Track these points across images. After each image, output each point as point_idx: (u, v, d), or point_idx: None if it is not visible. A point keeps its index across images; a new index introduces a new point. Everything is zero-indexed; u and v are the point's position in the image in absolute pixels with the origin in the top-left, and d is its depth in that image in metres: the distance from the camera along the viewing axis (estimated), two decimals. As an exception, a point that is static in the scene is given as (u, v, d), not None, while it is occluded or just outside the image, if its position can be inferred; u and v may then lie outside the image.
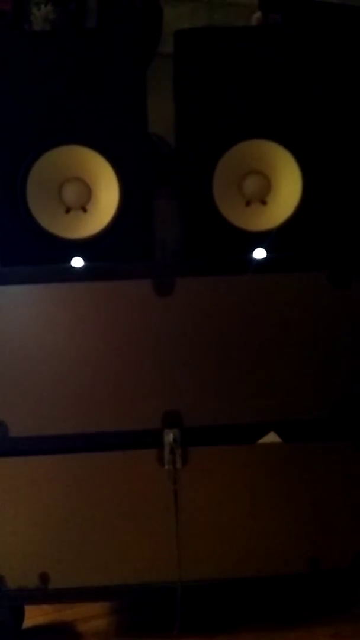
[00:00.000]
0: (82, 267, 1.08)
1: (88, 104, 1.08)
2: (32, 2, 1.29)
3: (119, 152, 1.09)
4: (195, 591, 1.13)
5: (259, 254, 1.10)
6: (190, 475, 1.10)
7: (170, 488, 1.10)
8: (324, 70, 1.10)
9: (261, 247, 1.10)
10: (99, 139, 1.09)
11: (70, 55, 1.07)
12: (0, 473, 1.09)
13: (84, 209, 1.12)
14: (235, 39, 1.09)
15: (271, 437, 1.10)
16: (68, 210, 1.12)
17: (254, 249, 1.10)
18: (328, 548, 1.13)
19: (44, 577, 1.12)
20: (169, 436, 1.08)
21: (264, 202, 1.13)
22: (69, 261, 1.09)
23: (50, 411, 1.08)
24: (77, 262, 1.09)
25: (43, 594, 1.13)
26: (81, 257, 1.09)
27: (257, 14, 1.31)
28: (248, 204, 1.13)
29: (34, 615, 1.25)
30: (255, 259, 1.09)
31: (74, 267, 1.08)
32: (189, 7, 1.35)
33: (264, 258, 1.10)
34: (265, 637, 1.16)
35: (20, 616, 1.23)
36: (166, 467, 1.09)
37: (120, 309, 1.08)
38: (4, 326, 1.07)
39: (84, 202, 1.12)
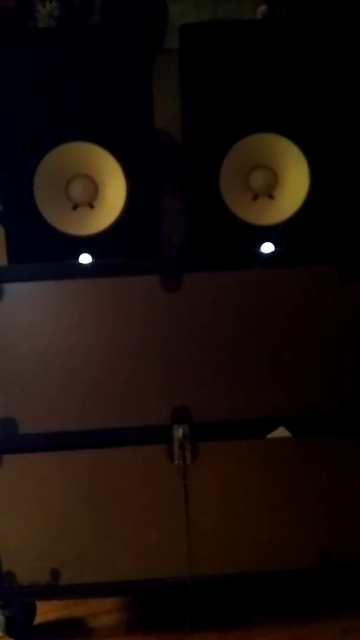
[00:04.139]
0: (90, 263, 1.09)
1: (94, 100, 1.08)
2: (36, -1, 1.29)
3: (125, 148, 1.09)
4: (206, 586, 1.13)
5: (267, 248, 1.10)
6: (199, 471, 1.10)
7: (180, 483, 1.10)
8: (330, 63, 1.09)
9: (269, 241, 1.10)
10: (105, 135, 1.09)
11: (76, 51, 1.07)
12: (10, 470, 1.10)
13: (91, 206, 1.12)
14: (240, 32, 1.08)
15: (280, 432, 1.10)
16: (75, 207, 1.12)
17: (261, 244, 1.10)
18: (338, 543, 1.13)
19: (54, 573, 1.13)
20: (179, 431, 1.08)
21: (271, 196, 1.12)
22: (77, 258, 1.09)
23: (59, 408, 1.09)
24: (85, 258, 1.09)
25: (54, 590, 1.13)
26: (89, 253, 1.09)
27: (262, 8, 1.31)
28: (255, 198, 1.13)
29: (45, 611, 1.26)
30: (262, 254, 1.09)
31: (81, 264, 1.08)
32: (194, 1, 1.35)
33: (272, 252, 1.09)
34: (276, 632, 1.16)
35: (32, 612, 1.24)
36: (176, 462, 1.09)
37: (128, 305, 1.08)
38: (13, 323, 1.07)
39: (91, 199, 1.12)
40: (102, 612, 1.27)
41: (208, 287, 1.08)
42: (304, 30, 1.09)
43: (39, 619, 1.25)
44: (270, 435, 1.10)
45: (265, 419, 1.10)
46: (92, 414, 1.09)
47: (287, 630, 1.17)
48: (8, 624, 1.19)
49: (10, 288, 1.07)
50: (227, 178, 1.10)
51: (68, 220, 1.11)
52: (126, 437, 1.09)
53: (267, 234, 1.10)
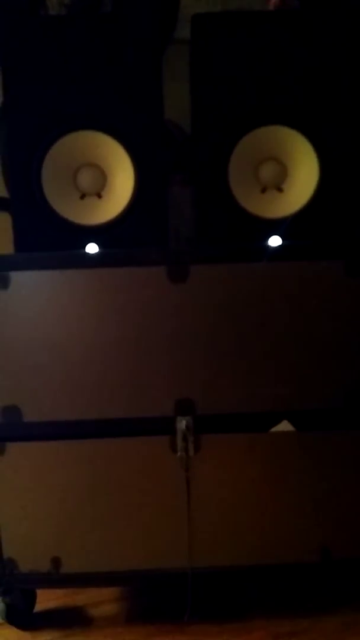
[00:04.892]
0: (97, 253, 1.08)
1: (103, 89, 1.07)
2: (47, -13, 1.28)
3: (134, 138, 1.08)
4: (206, 578, 1.13)
5: (274, 241, 1.10)
6: (202, 463, 1.10)
7: (183, 475, 1.10)
8: (342, 55, 1.08)
9: (276, 234, 1.10)
10: (114, 125, 1.08)
11: (86, 40, 1.07)
12: (14, 458, 1.10)
13: (99, 195, 1.12)
14: (252, 23, 1.07)
15: (284, 426, 1.10)
16: (83, 197, 1.11)
17: (269, 237, 1.10)
18: (339, 538, 1.13)
19: (55, 562, 1.13)
20: (182, 423, 1.08)
21: (279, 189, 1.12)
22: (84, 247, 1.09)
23: (64, 397, 1.09)
24: (92, 248, 1.09)
25: (55, 578, 1.14)
26: (95, 243, 1.09)
27: (275, -1, 1.30)
28: (264, 191, 1.12)
29: (46, 599, 1.27)
30: (270, 247, 1.09)
31: (88, 253, 1.08)
32: (206, -8, 1.34)
33: (279, 246, 1.09)
34: (275, 625, 1.17)
35: (32, 600, 1.25)
36: (178, 454, 1.09)
37: (134, 296, 1.07)
38: (19, 312, 1.07)
39: (99, 188, 1.11)
40: (102, 601, 1.27)
41: (214, 279, 1.07)
42: (315, 22, 1.08)
43: (39, 607, 1.25)
44: (273, 429, 1.10)
45: (269, 412, 1.10)
46: (96, 404, 1.09)
47: (287, 623, 1.17)
48: (8, 611, 1.20)
49: (17, 277, 1.07)
50: (236, 170, 1.09)
51: (75, 209, 1.10)
52: (130, 428, 1.09)
53: (274, 227, 1.10)
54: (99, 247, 1.09)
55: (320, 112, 1.08)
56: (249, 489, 1.12)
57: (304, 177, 1.10)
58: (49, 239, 1.09)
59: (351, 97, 1.09)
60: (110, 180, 1.11)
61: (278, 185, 1.12)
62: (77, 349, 1.08)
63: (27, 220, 1.09)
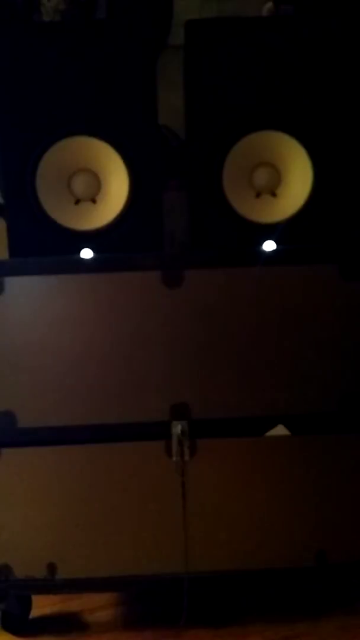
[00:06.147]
0: (91, 258, 1.08)
1: (98, 95, 1.08)
2: (42, -7, 1.28)
3: (128, 143, 1.09)
4: (202, 583, 1.13)
5: (269, 246, 1.10)
6: (198, 467, 1.10)
7: (178, 480, 1.10)
8: (335, 61, 1.09)
9: (271, 239, 1.10)
10: (108, 130, 1.08)
11: (80, 46, 1.07)
12: (8, 463, 1.10)
13: (94, 201, 1.12)
14: (246, 29, 1.08)
15: (279, 430, 1.10)
16: (77, 202, 1.11)
17: (263, 241, 1.10)
18: (335, 541, 1.13)
19: (51, 568, 1.13)
20: (177, 428, 1.09)
21: (274, 194, 1.12)
22: (78, 252, 1.09)
23: (59, 402, 1.09)
24: (86, 253, 1.09)
25: (50, 584, 1.13)
26: (90, 248, 1.09)
27: (269, 5, 1.30)
28: (258, 195, 1.12)
29: (41, 605, 1.26)
30: (264, 251, 1.09)
31: (83, 259, 1.08)
32: (200, -3, 1.34)
33: (274, 250, 1.09)
34: (272, 630, 1.17)
35: (28, 606, 1.24)
36: (174, 458, 1.10)
37: (129, 301, 1.08)
38: (13, 317, 1.07)
39: (94, 194, 1.11)
40: (98, 607, 1.27)
41: (209, 284, 1.08)
42: (309, 28, 1.09)
43: (35, 612, 1.25)
44: (269, 434, 1.10)
45: (264, 417, 1.10)
46: (91, 409, 1.09)
47: (283, 627, 1.17)
48: (4, 618, 1.19)
49: (11, 282, 1.07)
50: (230, 175, 1.10)
51: (70, 214, 1.10)
52: (125, 433, 1.09)
53: (269, 231, 1.10)
54: (94, 252, 1.09)
55: (314, 117, 1.09)
56: (245, 493, 1.12)
57: (298, 181, 1.10)
58: (44, 245, 1.09)
59: (344, 102, 1.10)
60: (105, 186, 1.11)
61: (272, 190, 1.12)
62: (72, 354, 1.08)
63: (21, 225, 1.09)
